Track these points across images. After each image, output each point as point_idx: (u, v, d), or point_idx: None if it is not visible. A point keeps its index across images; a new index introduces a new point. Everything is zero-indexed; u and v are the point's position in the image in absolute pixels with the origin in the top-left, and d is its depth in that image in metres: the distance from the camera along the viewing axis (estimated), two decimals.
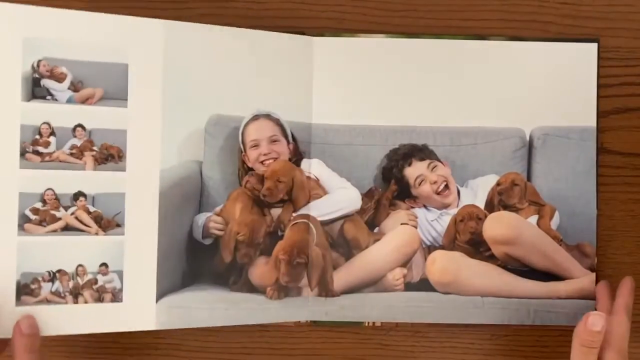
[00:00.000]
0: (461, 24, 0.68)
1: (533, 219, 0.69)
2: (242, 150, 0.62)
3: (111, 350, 0.62)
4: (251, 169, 0.63)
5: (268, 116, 0.62)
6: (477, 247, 0.68)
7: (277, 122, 0.63)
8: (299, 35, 0.62)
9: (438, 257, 0.67)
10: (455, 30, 0.67)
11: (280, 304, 0.60)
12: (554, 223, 0.69)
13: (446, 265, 0.67)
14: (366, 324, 0.65)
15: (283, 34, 0.61)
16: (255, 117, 0.62)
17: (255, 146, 0.62)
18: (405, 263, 0.68)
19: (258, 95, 0.61)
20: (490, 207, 0.70)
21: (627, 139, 0.66)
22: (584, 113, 0.67)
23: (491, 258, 0.68)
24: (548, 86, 0.68)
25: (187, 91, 0.58)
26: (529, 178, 0.71)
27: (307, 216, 0.63)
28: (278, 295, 0.60)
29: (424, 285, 0.67)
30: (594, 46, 0.66)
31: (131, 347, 0.63)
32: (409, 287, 0.66)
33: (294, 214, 0.63)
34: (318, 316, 0.63)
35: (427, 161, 0.69)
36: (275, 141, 0.63)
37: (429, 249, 0.70)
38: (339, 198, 0.66)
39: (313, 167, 0.65)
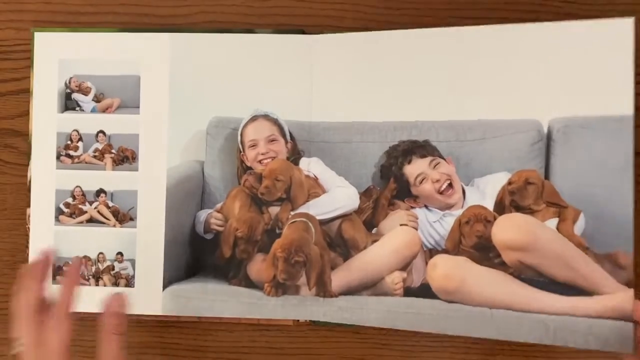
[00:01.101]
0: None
1: (552, 222, 0.87)
2: (241, 150, 0.98)
3: None
4: (250, 168, 0.98)
5: (266, 116, 0.97)
6: (486, 253, 0.87)
7: (275, 122, 0.98)
8: (295, 35, 0.96)
9: (440, 262, 0.87)
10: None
11: (278, 301, 0.92)
12: (578, 228, 0.85)
13: (449, 270, 0.86)
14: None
15: (280, 35, 0.96)
16: (254, 118, 0.98)
17: (253, 146, 0.98)
18: (405, 266, 0.92)
19: (257, 96, 0.97)
20: (500, 208, 0.89)
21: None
22: (616, 100, 0.80)
23: (502, 265, 0.86)
24: (570, 71, 0.84)
25: (190, 96, 0.96)
26: (546, 176, 0.90)
27: (306, 214, 0.94)
28: (275, 292, 0.92)
29: (425, 291, 0.88)
30: (629, 22, 0.80)
31: (130, 346, 0.92)
32: (408, 292, 0.91)
33: (292, 212, 0.95)
34: (316, 316, 0.92)
35: (429, 158, 0.95)
36: (273, 141, 0.98)
37: (430, 252, 0.92)
38: (336, 197, 0.97)
39: (312, 165, 0.98)
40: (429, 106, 0.92)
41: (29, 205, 0.98)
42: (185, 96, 0.98)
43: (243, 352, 0.99)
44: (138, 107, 0.98)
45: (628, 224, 0.81)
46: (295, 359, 0.99)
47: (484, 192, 0.94)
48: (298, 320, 0.95)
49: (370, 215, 0.97)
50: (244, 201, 0.99)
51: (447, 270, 0.87)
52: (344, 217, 0.97)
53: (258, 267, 0.96)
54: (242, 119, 0.99)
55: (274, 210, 0.99)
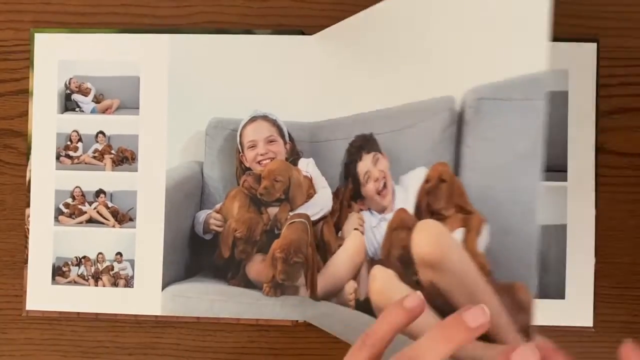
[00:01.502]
0: None
1: (459, 233, 0.66)
2: (240, 150, 1.00)
3: (110, 350, 1.00)
4: (249, 169, 1.00)
5: (265, 117, 0.99)
6: (407, 268, 0.71)
7: (274, 123, 0.99)
8: (295, 36, 0.97)
9: (378, 274, 0.77)
10: None
11: (277, 302, 0.94)
12: (482, 243, 0.63)
13: (383, 285, 0.75)
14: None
15: (279, 36, 0.97)
16: (253, 119, 0.99)
17: (252, 147, 0.99)
18: (356, 275, 0.89)
19: (256, 97, 0.98)
20: (419, 212, 0.72)
21: (627, 139, 0.96)
22: (531, 55, 0.56)
23: (418, 285, 0.69)
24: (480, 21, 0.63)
25: (189, 97, 0.98)
26: (456, 169, 0.69)
27: (305, 215, 0.96)
28: (274, 293, 0.94)
29: (367, 306, 0.79)
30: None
31: (130, 346, 1.00)
32: (359, 305, 0.84)
33: (290, 213, 0.97)
34: (310, 317, 0.94)
35: (372, 153, 0.85)
36: (272, 141, 0.99)
37: (372, 261, 0.84)
38: (320, 198, 0.98)
39: (309, 166, 0.99)
40: (374, 94, 0.82)
41: (28, 206, 1.00)
42: (184, 97, 0.99)
43: (242, 353, 1.00)
44: (137, 108, 1.00)
45: (530, 243, 0.55)
46: (294, 359, 1.00)
47: (407, 192, 0.79)
48: (297, 321, 0.96)
49: (338, 218, 0.96)
50: (243, 202, 1.00)
51: (382, 284, 0.76)
52: (324, 219, 0.98)
53: (257, 267, 0.98)
54: (241, 120, 1.00)
55: (273, 210, 1.00)
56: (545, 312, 0.95)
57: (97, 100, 1.00)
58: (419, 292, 0.59)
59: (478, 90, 0.64)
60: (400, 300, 0.58)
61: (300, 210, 0.98)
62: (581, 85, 0.95)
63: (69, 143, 1.00)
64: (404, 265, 0.73)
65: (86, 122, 1.00)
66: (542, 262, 0.95)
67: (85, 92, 1.00)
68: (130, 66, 1.00)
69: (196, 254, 1.01)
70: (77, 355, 1.00)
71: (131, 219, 0.99)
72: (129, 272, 0.99)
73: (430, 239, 0.69)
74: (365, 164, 0.87)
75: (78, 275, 0.99)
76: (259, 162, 1.01)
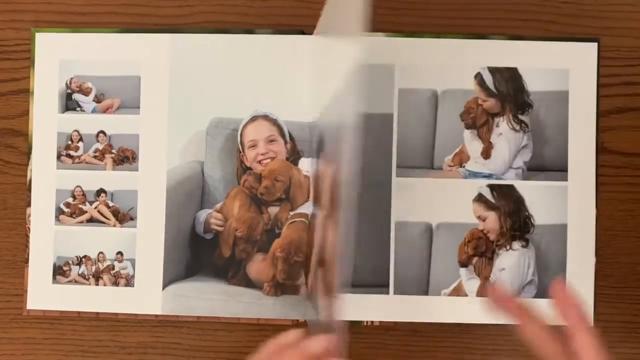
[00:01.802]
0: (462, 22, 1.00)
1: None
2: (241, 150, 1.00)
3: (110, 349, 1.01)
4: (249, 169, 1.00)
5: (266, 117, 1.00)
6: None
7: (275, 122, 1.00)
8: (295, 36, 0.98)
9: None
10: (456, 28, 0.99)
11: (277, 301, 0.95)
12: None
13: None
14: (365, 324, 0.96)
15: (280, 36, 0.98)
16: (253, 118, 1.00)
17: (253, 146, 1.00)
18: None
19: (257, 96, 0.99)
20: None
21: (627, 139, 0.97)
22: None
23: None
24: None
25: (190, 97, 0.99)
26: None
27: (305, 215, 0.96)
28: (275, 292, 0.95)
29: None
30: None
31: (130, 345, 1.01)
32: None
33: (291, 213, 0.98)
34: (309, 316, 0.94)
35: (322, 152, 0.87)
36: (272, 141, 1.00)
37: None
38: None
39: (309, 165, 1.00)
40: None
41: (29, 205, 1.00)
42: (185, 97, 1.00)
43: (242, 352, 0.97)
44: (138, 107, 1.00)
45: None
46: None
47: None
48: (297, 321, 0.97)
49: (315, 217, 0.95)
50: (243, 201, 1.00)
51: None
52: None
53: (257, 266, 0.98)
54: (242, 120, 1.01)
55: (274, 210, 1.00)
56: (545, 312, 0.95)
57: (97, 99, 1.01)
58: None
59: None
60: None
61: (301, 209, 0.99)
62: (581, 85, 0.96)
63: (69, 142, 1.00)
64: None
65: (87, 122, 1.01)
66: (542, 262, 0.97)
67: (86, 92, 1.00)
68: (131, 66, 1.00)
69: (197, 254, 1.01)
70: (78, 354, 1.01)
71: (132, 219, 0.99)
72: (130, 272, 0.99)
73: None
74: (321, 164, 0.87)
75: (79, 275, 0.99)
76: (259, 162, 1.01)
